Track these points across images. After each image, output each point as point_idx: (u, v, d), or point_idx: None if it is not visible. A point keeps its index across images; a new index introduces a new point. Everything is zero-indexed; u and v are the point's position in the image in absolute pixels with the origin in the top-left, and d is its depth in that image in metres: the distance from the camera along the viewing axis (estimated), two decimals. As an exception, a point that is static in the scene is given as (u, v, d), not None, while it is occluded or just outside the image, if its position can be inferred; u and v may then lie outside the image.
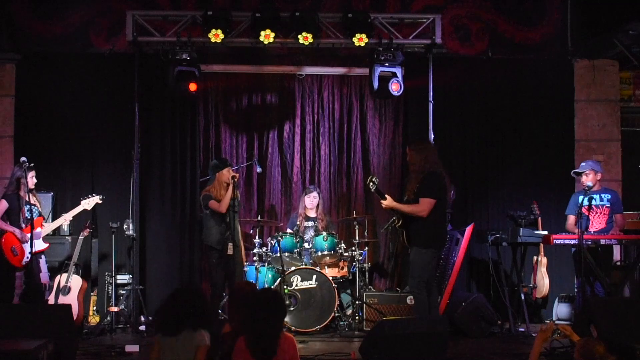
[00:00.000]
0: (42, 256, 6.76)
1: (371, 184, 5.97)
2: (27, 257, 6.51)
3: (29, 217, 6.53)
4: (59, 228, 7.25)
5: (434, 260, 5.96)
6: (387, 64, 7.38)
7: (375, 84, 7.39)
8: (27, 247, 6.49)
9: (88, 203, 6.94)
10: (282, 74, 8.29)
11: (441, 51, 8.00)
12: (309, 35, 7.25)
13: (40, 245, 6.69)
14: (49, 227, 6.86)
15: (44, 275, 6.69)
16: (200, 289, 4.38)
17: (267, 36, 7.22)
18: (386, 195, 5.99)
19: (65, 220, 6.91)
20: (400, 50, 7.49)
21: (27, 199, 6.50)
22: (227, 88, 8.32)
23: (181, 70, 7.28)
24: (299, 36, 7.25)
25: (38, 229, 6.68)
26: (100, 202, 7.04)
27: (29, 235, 6.41)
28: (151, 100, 7.99)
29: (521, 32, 8.33)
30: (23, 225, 6.55)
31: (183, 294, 4.06)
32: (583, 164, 6.99)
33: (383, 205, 6.06)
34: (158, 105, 8.12)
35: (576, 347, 3.64)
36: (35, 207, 6.72)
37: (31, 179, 6.66)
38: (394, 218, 6.30)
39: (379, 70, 7.37)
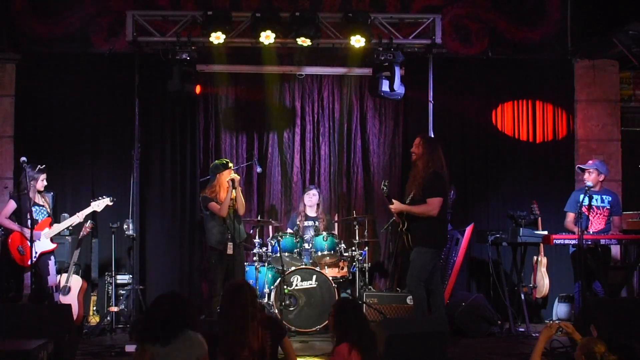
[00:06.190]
0: (52, 257, 6.76)
1: (384, 188, 6.01)
2: (34, 257, 6.53)
3: (37, 218, 6.60)
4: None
5: (433, 261, 5.95)
6: (387, 64, 7.40)
7: (397, 86, 7.40)
8: (33, 247, 6.52)
9: (98, 205, 6.91)
10: (282, 74, 8.28)
11: (441, 51, 8.00)
12: (307, 40, 7.28)
13: (48, 245, 6.69)
14: (58, 227, 6.83)
15: (52, 278, 6.68)
16: (180, 293, 4.31)
17: (267, 37, 7.23)
18: (393, 200, 5.99)
19: (78, 219, 6.83)
20: (400, 50, 7.50)
21: (35, 200, 6.61)
22: (227, 88, 8.31)
23: (186, 72, 7.28)
24: (298, 39, 7.27)
25: (46, 229, 6.69)
26: (110, 204, 6.99)
27: (35, 234, 6.49)
28: (151, 100, 7.98)
29: (521, 32, 8.34)
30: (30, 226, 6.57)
31: (170, 300, 3.90)
32: (590, 161, 6.98)
33: (392, 210, 6.05)
34: (158, 105, 8.12)
35: (578, 346, 3.65)
36: (44, 208, 6.75)
37: (41, 182, 6.69)
38: (392, 220, 6.29)
39: (399, 71, 7.43)
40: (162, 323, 3.78)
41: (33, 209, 6.56)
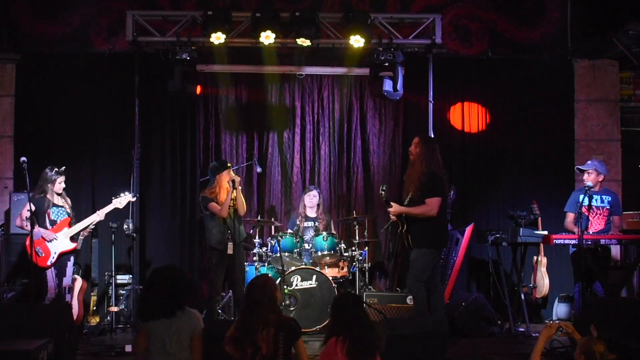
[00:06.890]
0: (72, 258, 6.72)
1: (383, 192, 5.99)
2: (53, 258, 6.51)
3: (56, 219, 6.59)
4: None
5: (434, 261, 5.95)
6: (387, 64, 7.40)
7: (400, 86, 7.40)
8: (52, 247, 6.50)
9: (120, 202, 6.76)
10: (282, 74, 8.28)
11: (441, 51, 8.00)
12: (307, 40, 7.29)
13: (67, 245, 6.61)
14: (78, 226, 6.72)
15: (67, 279, 6.65)
16: (173, 265, 4.34)
17: (267, 37, 7.24)
18: (391, 203, 5.98)
19: (98, 217, 6.71)
20: (401, 50, 7.50)
21: (53, 201, 6.59)
22: (227, 88, 8.31)
23: (186, 72, 7.28)
24: (298, 40, 7.28)
25: (65, 229, 6.65)
26: (133, 199, 6.94)
27: (55, 234, 6.50)
28: (151, 100, 7.98)
29: (521, 32, 8.34)
30: (49, 227, 6.54)
31: (166, 274, 3.97)
32: (589, 162, 6.98)
33: (391, 212, 6.04)
34: (158, 105, 8.13)
35: (578, 346, 3.66)
36: (63, 209, 6.71)
37: (59, 184, 6.64)
38: (392, 221, 6.28)
39: (401, 71, 7.44)
40: (164, 296, 3.85)
41: (51, 210, 6.56)
